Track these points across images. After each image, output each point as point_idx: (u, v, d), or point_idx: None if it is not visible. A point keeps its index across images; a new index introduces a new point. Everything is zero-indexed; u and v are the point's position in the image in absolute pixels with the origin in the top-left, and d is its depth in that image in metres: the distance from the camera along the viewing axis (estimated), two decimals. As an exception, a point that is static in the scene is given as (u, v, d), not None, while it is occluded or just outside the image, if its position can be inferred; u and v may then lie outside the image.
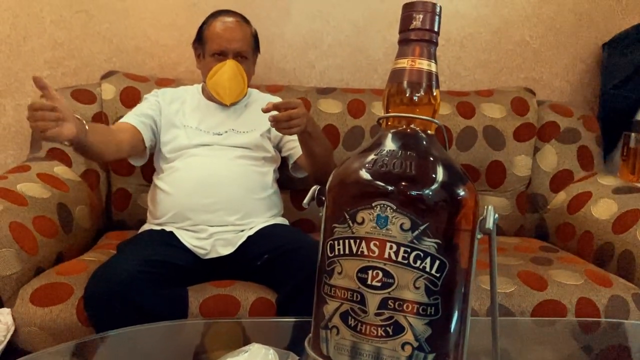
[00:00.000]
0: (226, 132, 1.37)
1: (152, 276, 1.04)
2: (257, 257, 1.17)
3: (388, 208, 0.49)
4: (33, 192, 1.26)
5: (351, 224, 0.50)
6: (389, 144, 0.54)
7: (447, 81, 1.85)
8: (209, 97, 1.41)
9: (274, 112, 1.15)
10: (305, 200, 0.58)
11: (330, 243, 0.52)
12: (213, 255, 1.22)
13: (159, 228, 1.28)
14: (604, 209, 1.42)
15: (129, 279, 0.99)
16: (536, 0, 1.82)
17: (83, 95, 1.56)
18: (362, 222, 0.50)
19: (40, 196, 1.26)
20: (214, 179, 1.28)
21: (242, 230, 1.26)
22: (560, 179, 1.63)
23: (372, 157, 0.53)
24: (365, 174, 0.52)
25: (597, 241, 1.39)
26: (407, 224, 0.48)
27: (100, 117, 1.55)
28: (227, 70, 1.32)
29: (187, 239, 1.23)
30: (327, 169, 1.38)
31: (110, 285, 0.99)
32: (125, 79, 1.59)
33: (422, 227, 0.48)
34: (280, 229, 1.29)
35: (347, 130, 1.63)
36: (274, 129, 1.37)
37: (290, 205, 1.61)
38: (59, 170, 1.43)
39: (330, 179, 0.56)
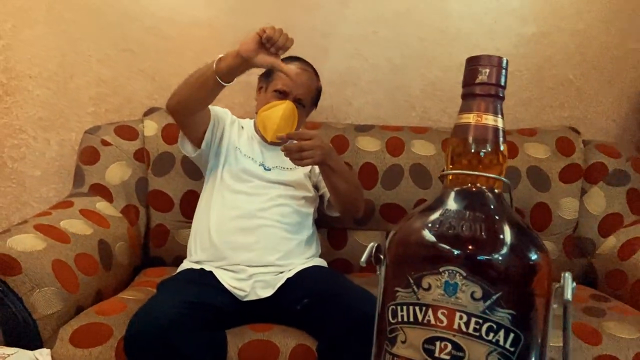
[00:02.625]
0: (271, 169, 1.37)
1: (191, 319, 1.02)
2: (297, 301, 1.14)
3: (457, 274, 0.46)
4: (75, 229, 1.27)
5: (416, 290, 0.48)
6: (453, 203, 0.51)
7: (487, 119, 1.82)
8: (258, 131, 1.42)
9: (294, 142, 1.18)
10: (363, 259, 0.56)
11: (392, 308, 0.50)
12: (252, 297, 1.20)
13: (198, 267, 1.27)
14: (658, 257, 1.35)
15: (169, 322, 0.98)
16: (579, 38, 1.79)
17: (125, 131, 1.59)
18: (429, 288, 0.47)
19: (82, 233, 1.27)
20: (255, 218, 1.28)
21: (282, 272, 1.24)
22: (609, 223, 1.56)
23: (436, 216, 0.50)
24: (429, 235, 0.49)
25: (652, 291, 1.31)
26: (479, 293, 0.45)
27: (141, 154, 1.57)
28: (283, 108, 1.32)
29: (227, 280, 1.21)
30: (354, 207, 1.37)
31: (150, 329, 0.97)
32: (167, 116, 1.60)
33: (495, 297, 0.45)
34: (320, 272, 1.26)
35: (385, 169, 1.60)
36: (316, 167, 1.38)
37: (327, 244, 1.58)
38: (101, 206, 1.45)
39: (389, 237, 0.54)
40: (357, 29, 1.79)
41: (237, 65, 1.16)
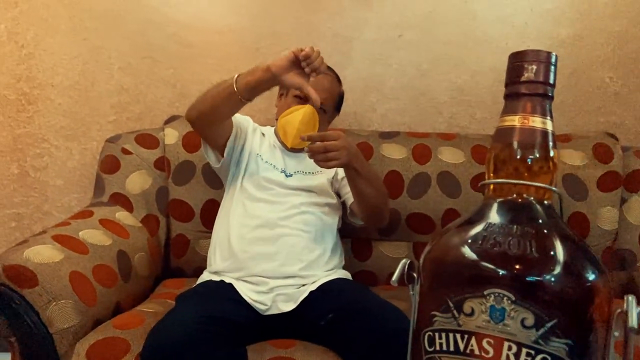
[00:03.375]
0: (292, 174, 1.33)
1: (209, 335, 0.97)
2: (321, 316, 1.08)
3: (505, 298, 0.40)
4: (94, 239, 1.24)
5: (457, 315, 0.42)
6: (497, 217, 0.46)
7: (518, 125, 1.74)
8: (279, 138, 1.38)
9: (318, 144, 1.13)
10: (394, 278, 0.50)
11: (429, 334, 0.44)
12: (274, 311, 1.15)
13: (218, 278, 1.23)
14: None
15: (186, 338, 0.94)
16: (616, 39, 1.70)
17: (146, 139, 1.57)
18: (471, 314, 0.41)
19: (101, 244, 1.24)
20: (276, 227, 1.24)
21: (304, 285, 1.19)
22: (652, 234, 1.46)
23: (478, 231, 0.45)
24: (469, 253, 0.43)
25: (703, 307, 1.21)
26: (530, 320, 0.40)
27: (162, 163, 1.54)
28: (303, 113, 1.27)
29: (247, 293, 1.17)
30: (380, 214, 1.32)
31: (167, 345, 0.93)
32: (188, 124, 1.57)
33: (549, 324, 0.39)
34: (344, 285, 1.21)
35: (412, 177, 1.54)
36: (338, 172, 1.33)
37: (351, 255, 1.53)
38: (121, 215, 1.42)
39: (423, 254, 0.48)
40: (381, 33, 1.74)
41: (264, 80, 1.14)
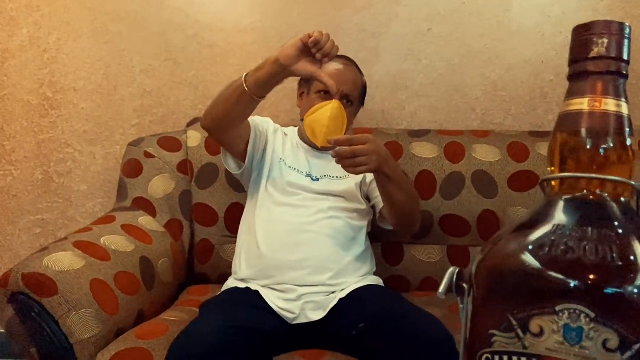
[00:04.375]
0: (319, 179, 1.27)
1: (234, 345, 0.92)
2: (352, 326, 1.02)
3: (582, 316, 0.33)
4: (116, 245, 1.21)
5: (521, 334, 0.35)
6: (564, 217, 0.39)
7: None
8: (304, 139, 1.32)
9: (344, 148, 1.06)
10: (441, 289, 0.44)
11: (487, 357, 0.37)
12: (302, 320, 1.09)
13: (243, 286, 1.18)
14: None
15: (210, 349, 0.89)
16: (662, 27, 1.60)
17: (169, 142, 1.53)
18: (540, 334, 0.35)
19: (123, 250, 1.21)
20: (303, 233, 1.18)
21: (334, 292, 1.13)
22: None
23: (543, 235, 0.38)
24: (533, 261, 0.37)
25: None
26: (614, 341, 0.33)
27: (185, 166, 1.50)
28: (330, 109, 1.20)
29: (274, 300, 1.11)
30: (411, 219, 1.24)
31: (190, 357, 0.88)
32: (211, 126, 1.54)
33: (637, 346, 0.32)
34: (376, 292, 1.14)
35: (444, 177, 1.46)
36: (367, 175, 1.27)
37: (382, 260, 1.46)
38: (143, 220, 1.38)
39: (476, 262, 0.42)
40: (410, 27, 1.67)
41: (274, 74, 1.07)
